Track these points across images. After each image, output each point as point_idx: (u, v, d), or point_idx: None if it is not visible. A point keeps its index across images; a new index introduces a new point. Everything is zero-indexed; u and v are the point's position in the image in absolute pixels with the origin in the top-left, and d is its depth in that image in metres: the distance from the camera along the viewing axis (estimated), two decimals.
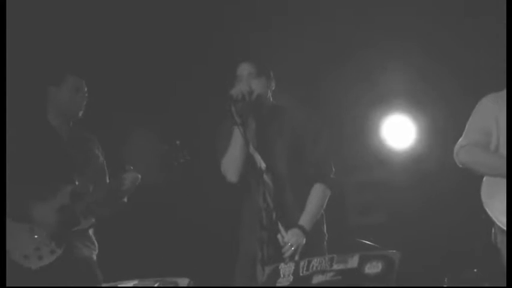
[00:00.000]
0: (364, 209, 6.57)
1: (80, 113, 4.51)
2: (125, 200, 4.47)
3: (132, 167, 4.37)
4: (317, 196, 3.96)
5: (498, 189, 3.73)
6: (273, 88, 4.11)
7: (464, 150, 3.90)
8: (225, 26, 6.02)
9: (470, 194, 3.91)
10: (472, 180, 3.89)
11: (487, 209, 3.76)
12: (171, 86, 6.06)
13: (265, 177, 3.65)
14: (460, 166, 3.93)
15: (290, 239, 3.76)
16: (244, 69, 4.00)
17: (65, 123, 4.52)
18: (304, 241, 3.80)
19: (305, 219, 3.88)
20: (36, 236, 4.22)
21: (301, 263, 3.23)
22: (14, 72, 5.23)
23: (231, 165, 3.94)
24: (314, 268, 3.18)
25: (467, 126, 3.97)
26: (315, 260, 3.20)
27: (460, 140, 3.95)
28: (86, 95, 4.53)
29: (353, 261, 3.11)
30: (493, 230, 3.82)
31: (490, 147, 3.88)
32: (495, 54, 4.39)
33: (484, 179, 3.83)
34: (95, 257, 4.45)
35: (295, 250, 3.76)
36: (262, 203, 3.59)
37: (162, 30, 5.92)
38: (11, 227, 4.18)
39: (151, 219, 5.91)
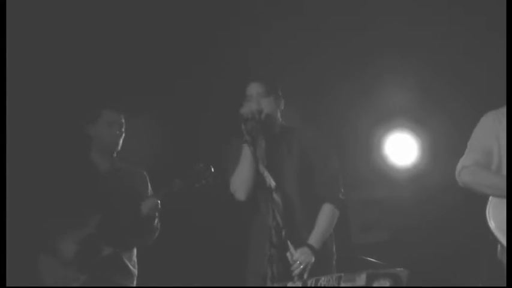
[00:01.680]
0: (366, 226, 6.56)
1: (119, 146, 4.59)
2: (156, 225, 4.56)
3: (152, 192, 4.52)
4: (326, 216, 4.00)
5: (503, 208, 3.70)
6: (282, 108, 4.15)
7: (466, 171, 3.86)
8: (229, 46, 6.06)
9: (475, 211, 3.88)
10: (476, 197, 3.86)
11: (491, 228, 3.72)
12: (180, 101, 6.10)
13: (275, 195, 3.67)
14: (462, 186, 3.90)
15: (299, 257, 3.78)
16: (254, 88, 4.04)
17: (107, 156, 4.61)
18: (313, 260, 3.83)
19: (314, 239, 3.91)
20: (62, 265, 4.38)
21: (309, 282, 3.27)
22: (53, 109, 5.43)
23: (239, 184, 3.97)
24: (322, 286, 3.21)
25: (468, 145, 3.94)
26: (323, 278, 3.24)
27: (462, 159, 3.91)
28: (123, 127, 4.60)
29: (360, 280, 3.13)
30: (498, 248, 3.79)
31: (491, 167, 3.84)
32: (498, 69, 4.40)
33: (490, 197, 3.79)
34: (130, 284, 4.54)
35: (304, 269, 3.78)
36: (272, 221, 3.61)
37: (174, 52, 5.99)
38: (43, 259, 4.42)
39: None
